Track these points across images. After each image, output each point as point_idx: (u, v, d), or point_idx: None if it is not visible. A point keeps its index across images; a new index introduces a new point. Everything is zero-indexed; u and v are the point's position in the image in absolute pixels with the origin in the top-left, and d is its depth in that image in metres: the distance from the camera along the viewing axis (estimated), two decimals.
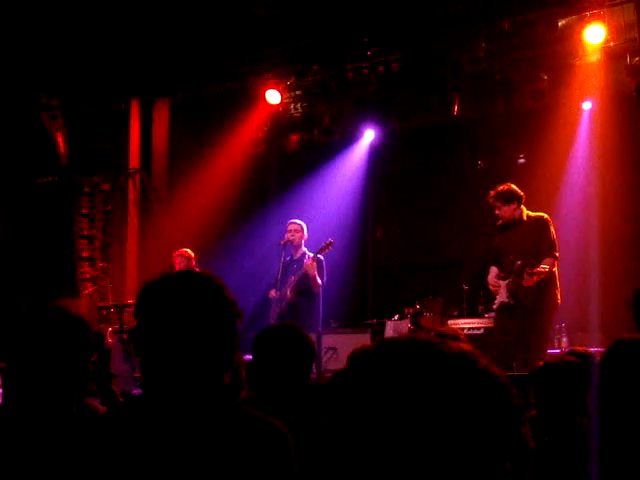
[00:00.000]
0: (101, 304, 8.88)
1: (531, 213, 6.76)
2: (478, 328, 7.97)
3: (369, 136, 9.94)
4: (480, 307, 8.52)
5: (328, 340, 7.81)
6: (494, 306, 6.84)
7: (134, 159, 9.67)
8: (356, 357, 1.07)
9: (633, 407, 2.16)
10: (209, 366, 1.68)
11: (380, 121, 9.67)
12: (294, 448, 1.70)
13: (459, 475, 0.94)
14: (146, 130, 9.64)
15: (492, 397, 0.99)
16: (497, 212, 6.68)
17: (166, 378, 1.66)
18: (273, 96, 9.24)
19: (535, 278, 6.30)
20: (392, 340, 1.09)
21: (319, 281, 7.37)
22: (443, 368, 1.01)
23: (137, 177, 9.66)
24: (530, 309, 6.46)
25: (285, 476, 1.63)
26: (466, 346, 1.07)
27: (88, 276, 9.28)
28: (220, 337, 1.70)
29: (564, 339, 7.88)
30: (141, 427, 1.63)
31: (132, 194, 9.59)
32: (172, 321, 1.67)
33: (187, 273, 1.84)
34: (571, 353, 3.31)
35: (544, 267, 6.22)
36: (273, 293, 7.56)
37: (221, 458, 1.59)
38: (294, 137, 9.96)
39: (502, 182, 6.87)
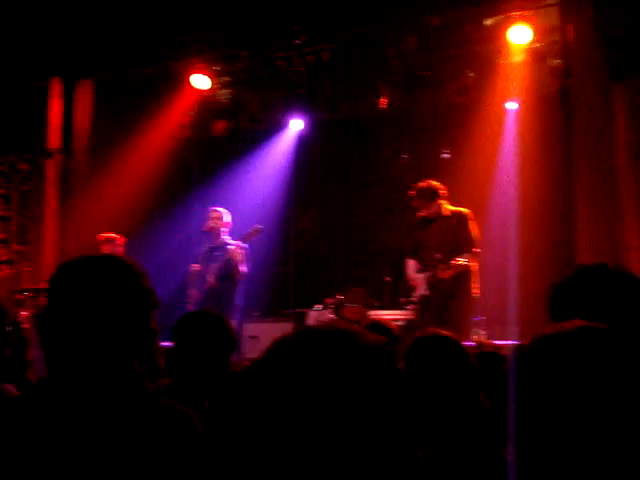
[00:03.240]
0: (16, 288, 8.62)
1: (452, 208, 6.86)
2: (399, 320, 7.88)
3: (296, 125, 9.92)
4: (401, 299, 8.53)
5: (249, 329, 7.77)
6: (414, 298, 6.93)
7: (54, 139, 9.38)
8: (275, 345, 1.08)
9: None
10: (119, 354, 1.65)
11: (308, 111, 9.66)
12: (209, 436, 1.69)
13: (370, 462, 0.98)
14: (67, 110, 9.39)
15: (398, 389, 1.04)
16: (421, 208, 6.78)
17: (72, 364, 1.62)
18: (201, 81, 9.12)
19: (451, 271, 6.43)
20: (310, 329, 1.10)
21: (242, 269, 7.34)
22: (358, 358, 1.02)
23: (57, 158, 9.38)
24: (445, 302, 6.59)
25: (194, 466, 1.61)
26: (382, 339, 1.10)
27: (4, 258, 9.05)
28: (133, 325, 1.67)
29: (482, 332, 7.99)
30: (46, 414, 1.59)
31: (51, 175, 9.32)
32: (83, 305, 1.63)
33: (105, 257, 1.75)
34: (486, 345, 3.41)
35: (460, 261, 6.34)
36: (196, 267, 7.47)
37: (126, 446, 1.56)
38: (220, 123, 9.87)
39: (425, 177, 7.00)
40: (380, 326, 4.42)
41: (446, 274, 6.49)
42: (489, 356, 3.15)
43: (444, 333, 2.68)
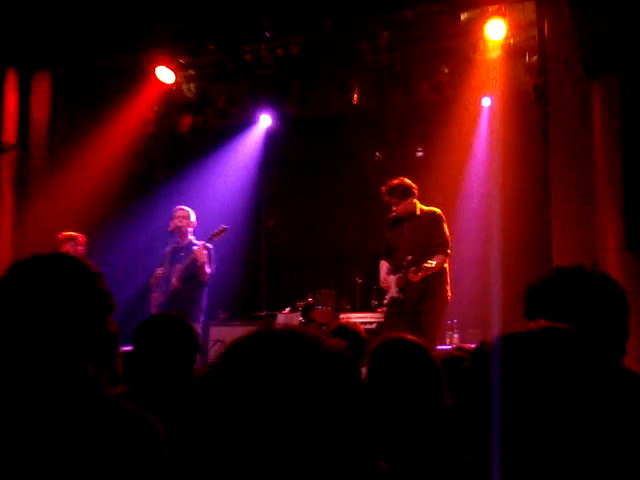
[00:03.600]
0: None
1: (424, 207, 6.88)
2: (371, 322, 8.09)
3: (265, 121, 9.90)
4: (373, 301, 8.69)
5: (216, 332, 7.81)
6: (385, 301, 6.96)
7: (9, 134, 9.14)
8: (227, 351, 1.08)
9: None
10: (72, 358, 1.63)
11: (277, 106, 9.65)
12: (172, 443, 1.66)
13: (330, 472, 0.98)
14: (24, 104, 9.19)
15: (358, 396, 1.04)
16: (394, 207, 6.77)
17: (22, 368, 1.60)
18: (165, 74, 9.02)
19: (420, 274, 6.45)
20: (265, 333, 1.10)
21: (207, 270, 7.31)
22: (315, 364, 1.02)
23: (12, 153, 9.21)
24: (417, 305, 6.61)
25: (152, 472, 1.60)
26: (343, 344, 1.10)
27: None
28: (87, 329, 1.65)
29: (455, 335, 8.13)
30: None
31: (6, 171, 9.10)
32: (33, 306, 1.61)
33: (57, 256, 1.72)
34: (459, 349, 3.41)
35: (430, 263, 6.36)
36: (160, 271, 7.43)
37: (81, 451, 1.54)
38: (186, 119, 9.80)
39: (399, 175, 7.00)
40: (347, 329, 4.47)
41: (415, 277, 6.50)
42: (456, 360, 3.15)
43: (408, 337, 2.68)
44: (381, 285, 6.99)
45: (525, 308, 2.11)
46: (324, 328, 6.96)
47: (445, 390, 2.58)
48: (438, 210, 6.88)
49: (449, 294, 6.75)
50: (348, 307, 8.89)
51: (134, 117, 9.44)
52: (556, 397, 1.13)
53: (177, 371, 2.92)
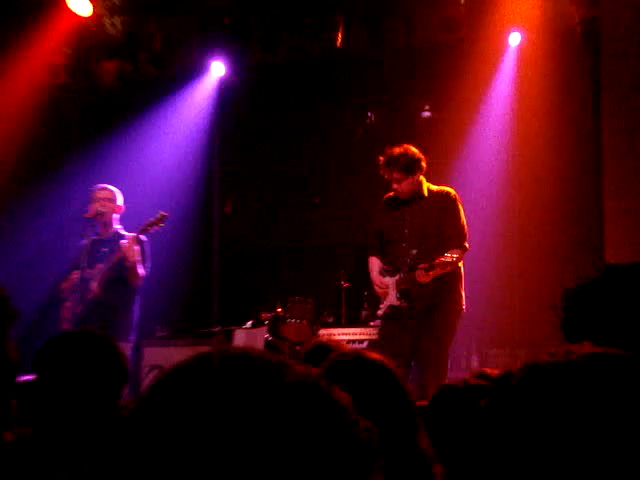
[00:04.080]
0: None
1: (433, 187, 6.89)
2: (361, 341, 8.20)
3: (218, 70, 9.92)
4: (363, 312, 8.75)
5: (152, 355, 7.87)
6: (380, 311, 6.97)
7: None
8: (165, 377, 1.11)
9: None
10: None
11: (235, 51, 9.62)
12: None
13: None
14: None
15: (335, 446, 1.05)
16: (395, 185, 6.79)
17: None
18: (80, 3, 8.91)
19: (433, 273, 6.47)
20: (210, 357, 1.12)
21: (140, 271, 7.31)
22: (275, 401, 1.04)
23: None
24: (427, 315, 6.65)
25: None
26: (316, 372, 1.12)
27: None
28: None
29: (474, 357, 8.26)
30: None
31: None
32: None
33: None
34: (481, 376, 3.40)
35: (449, 256, 6.37)
36: (75, 275, 7.43)
37: None
38: (110, 65, 9.75)
39: (399, 142, 6.96)
40: (327, 350, 4.41)
41: (425, 277, 6.52)
42: (475, 391, 3.17)
43: (371, 356, 2.72)
44: (375, 289, 7.00)
45: (563, 320, 2.11)
46: (298, 348, 7.23)
47: (419, 429, 2.61)
48: (452, 190, 6.87)
49: (464, 303, 6.79)
50: (330, 320, 8.94)
51: (37, 63, 9.31)
52: (612, 455, 1.12)
53: (97, 408, 2.89)
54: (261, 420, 1.02)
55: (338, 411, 1.08)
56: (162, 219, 7.37)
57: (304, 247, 10.35)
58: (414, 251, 6.67)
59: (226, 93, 10.07)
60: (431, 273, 6.47)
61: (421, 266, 6.50)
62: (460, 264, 6.72)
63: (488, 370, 3.47)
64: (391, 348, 6.64)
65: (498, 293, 8.53)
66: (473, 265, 7.31)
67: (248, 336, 8.48)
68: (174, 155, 10.08)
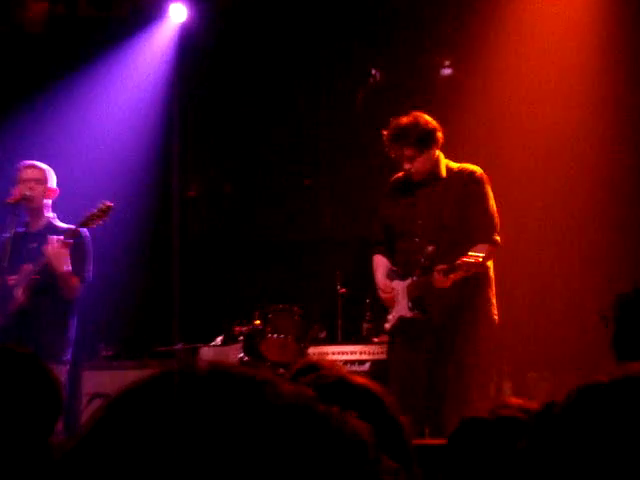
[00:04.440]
0: None
1: (454, 164, 6.89)
2: (361, 361, 8.25)
3: (178, 15, 10.03)
4: (365, 325, 8.76)
5: (94, 380, 7.92)
6: (387, 324, 6.94)
7: None
8: (112, 405, 1.12)
9: None
10: None
11: None
12: None
13: None
14: None
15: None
16: (406, 164, 6.74)
17: None
18: None
19: (453, 276, 6.41)
20: (175, 374, 1.14)
21: (75, 278, 7.28)
22: (263, 428, 1.05)
23: None
24: (447, 330, 6.63)
25: None
26: (309, 393, 1.14)
27: None
28: None
29: (506, 384, 8.23)
30: None
31: None
32: None
33: None
34: (511, 406, 3.39)
35: (474, 255, 6.31)
36: None
37: None
38: (37, 6, 9.77)
39: (411, 109, 6.95)
40: (322, 373, 4.42)
41: (444, 282, 6.47)
42: (507, 424, 3.16)
43: (354, 380, 2.73)
44: (381, 295, 6.97)
45: (615, 333, 2.09)
46: (282, 371, 7.01)
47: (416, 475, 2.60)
48: (478, 169, 6.86)
49: (496, 313, 6.77)
50: (323, 335, 8.97)
51: None
52: None
53: (22, 448, 2.89)
54: (243, 458, 1.03)
55: (353, 447, 1.10)
56: (106, 210, 7.34)
57: (290, 242, 10.39)
58: (430, 248, 6.64)
59: (189, 43, 10.16)
60: (451, 276, 6.43)
61: (439, 267, 6.45)
62: (490, 263, 6.69)
63: (520, 401, 3.47)
64: (401, 372, 6.78)
65: (535, 302, 8.65)
66: (503, 267, 7.27)
67: (217, 355, 8.57)
68: (121, 123, 10.07)
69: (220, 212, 10.80)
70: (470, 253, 6.33)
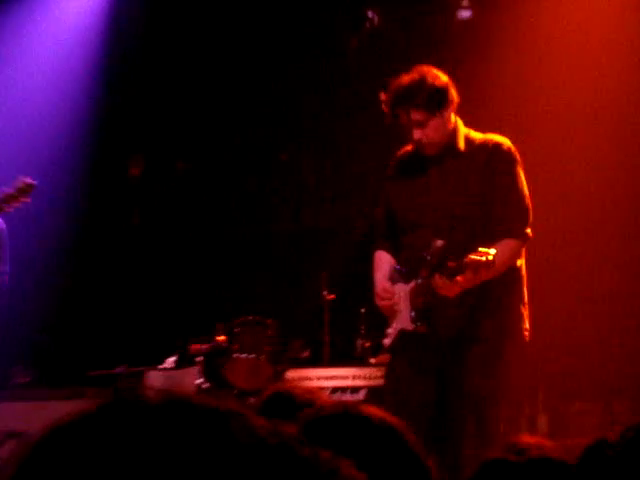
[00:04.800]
0: None
1: (476, 134, 6.80)
2: (354, 388, 8.30)
3: None
4: (360, 342, 8.77)
5: (7, 414, 7.94)
6: (387, 339, 6.80)
7: None
8: (35, 448, 1.13)
9: None
10: None
11: None
12: None
13: None
14: None
15: None
16: (415, 134, 6.64)
17: None
18: None
19: (463, 279, 6.29)
20: (121, 405, 1.16)
21: None
22: (230, 471, 1.08)
23: None
24: (460, 349, 6.54)
25: None
26: (289, 430, 1.18)
27: None
28: None
29: (542, 418, 8.24)
30: None
31: None
32: None
33: None
34: (528, 445, 3.42)
35: (483, 252, 6.16)
36: None
37: None
38: None
39: (419, 62, 6.87)
40: (292, 404, 4.36)
41: (449, 287, 6.33)
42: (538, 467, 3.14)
43: (365, 411, 2.71)
44: (378, 302, 6.84)
45: None
46: (252, 401, 7.21)
47: None
48: (507, 142, 6.74)
49: (527, 327, 6.65)
50: (305, 354, 8.98)
51: None
52: None
53: None
54: None
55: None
56: (26, 190, 7.45)
57: (261, 234, 10.41)
58: (438, 242, 6.48)
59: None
60: (460, 279, 6.29)
61: (447, 266, 6.26)
62: (520, 262, 6.62)
63: (534, 439, 3.52)
64: (401, 400, 6.62)
65: (578, 313, 8.63)
66: (537, 273, 7.21)
67: (169, 381, 8.55)
68: (45, 90, 10.20)
69: (171, 196, 10.84)
70: (480, 249, 6.15)
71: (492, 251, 5.99)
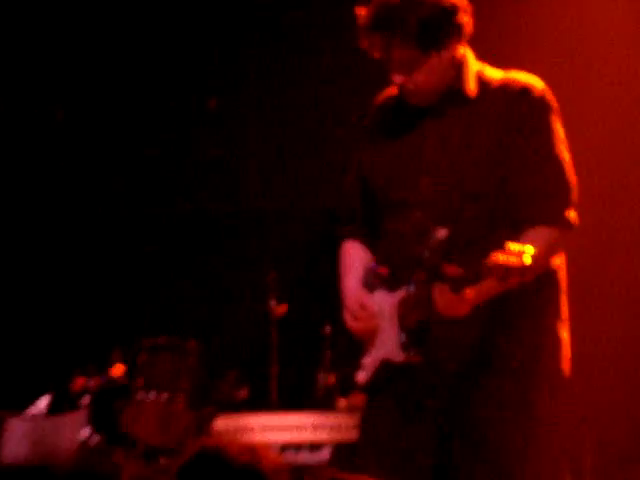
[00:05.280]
0: None
1: (494, 73, 6.55)
2: (314, 446, 8.29)
3: None
4: (322, 375, 8.78)
5: None
6: (362, 374, 6.55)
7: None
8: None
9: None
10: None
11: None
12: None
13: None
14: None
15: None
16: (398, 77, 6.32)
17: None
18: None
19: (475, 292, 5.98)
20: None
21: None
22: None
23: None
24: (471, 386, 6.26)
25: None
26: None
27: None
28: None
29: None
30: None
31: None
32: None
33: None
34: None
35: (517, 250, 5.76)
36: None
37: None
38: None
39: None
40: (223, 469, 4.34)
41: (457, 303, 6.03)
42: None
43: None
44: (347, 323, 6.61)
45: None
46: (162, 462, 7.49)
47: None
48: (540, 84, 6.49)
49: (567, 355, 6.41)
50: (243, 394, 8.95)
51: None
52: None
53: None
54: None
55: None
56: None
57: (180, 217, 10.45)
58: (441, 232, 6.15)
59: None
60: (468, 292, 5.94)
61: (449, 272, 5.95)
62: (558, 262, 6.33)
63: None
64: (385, 457, 6.35)
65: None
66: (581, 272, 7.09)
67: (38, 432, 8.22)
68: None
69: (46, 158, 10.86)
70: (510, 245, 5.77)
71: (529, 249, 5.55)
